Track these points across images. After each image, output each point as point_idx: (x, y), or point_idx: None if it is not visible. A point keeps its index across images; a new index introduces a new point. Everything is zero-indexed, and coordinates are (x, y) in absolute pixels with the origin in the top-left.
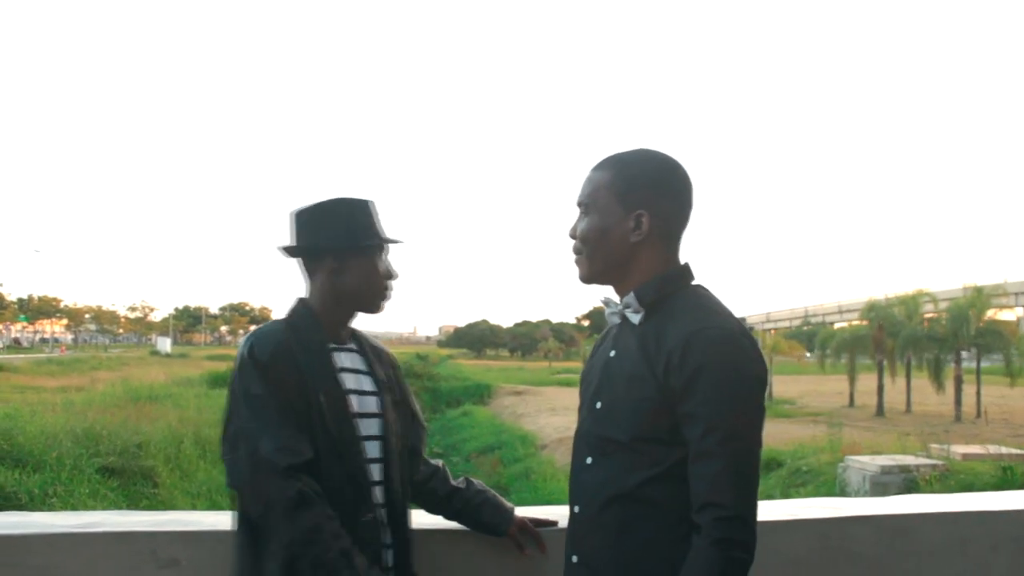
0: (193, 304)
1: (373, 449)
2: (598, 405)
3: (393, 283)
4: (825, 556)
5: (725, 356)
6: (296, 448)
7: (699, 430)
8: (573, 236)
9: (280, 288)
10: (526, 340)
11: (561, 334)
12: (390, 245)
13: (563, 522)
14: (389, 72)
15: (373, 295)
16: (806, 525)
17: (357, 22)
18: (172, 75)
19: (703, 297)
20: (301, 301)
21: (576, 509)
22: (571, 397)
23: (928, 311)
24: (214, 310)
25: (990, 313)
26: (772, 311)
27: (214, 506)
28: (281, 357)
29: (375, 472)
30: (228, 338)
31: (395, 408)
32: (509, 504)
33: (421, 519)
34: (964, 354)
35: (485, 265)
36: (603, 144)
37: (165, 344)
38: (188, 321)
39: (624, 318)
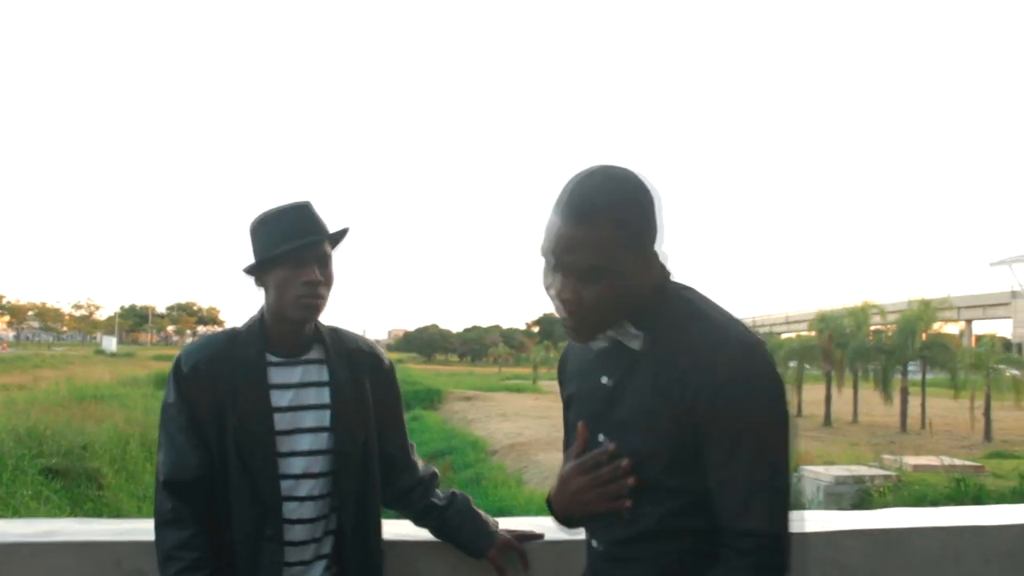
0: (139, 303)
1: (321, 464)
2: (600, 438)
3: (317, 289)
4: (817, 570)
5: (747, 371)
6: (183, 464)
7: (726, 448)
8: (573, 300)
9: (228, 288)
10: (476, 345)
11: (511, 340)
12: (319, 249)
13: (549, 534)
14: (342, 74)
15: (288, 305)
16: (796, 539)
17: (314, 25)
18: (114, 65)
19: (695, 302)
20: (259, 312)
21: (595, 544)
22: (521, 403)
23: (876, 323)
24: (161, 309)
25: (936, 326)
26: None
27: None
28: (202, 371)
29: (316, 487)
30: (175, 338)
31: (362, 418)
32: (493, 521)
33: (404, 530)
34: (911, 366)
35: (436, 269)
36: (558, 147)
37: (111, 343)
38: (134, 320)
39: (616, 342)
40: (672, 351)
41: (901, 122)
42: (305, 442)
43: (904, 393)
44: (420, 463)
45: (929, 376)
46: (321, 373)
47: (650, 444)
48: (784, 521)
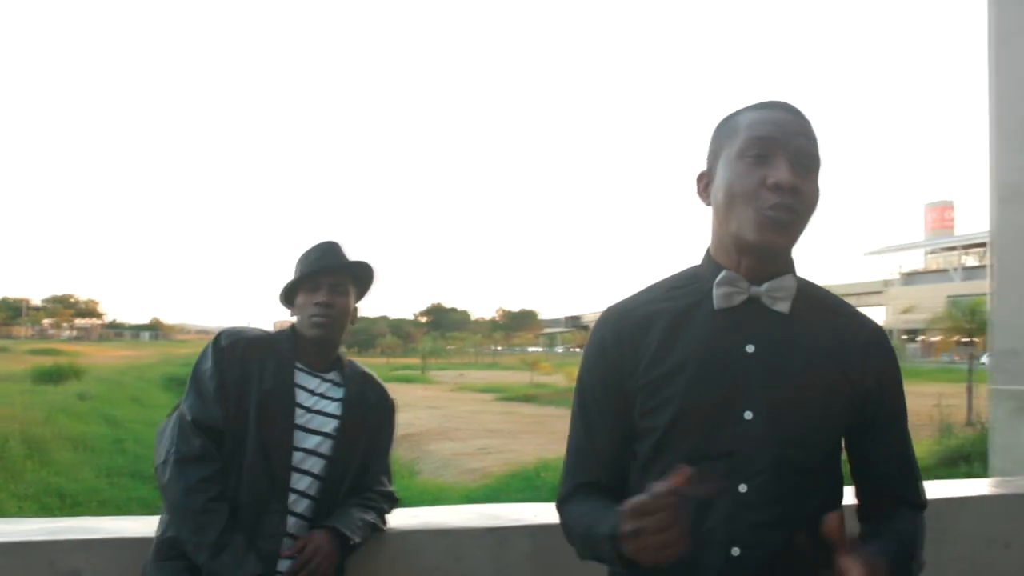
0: (13, 295)
1: (316, 465)
2: (748, 415)
3: (327, 310)
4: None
5: (895, 353)
6: (210, 413)
7: (902, 426)
8: (799, 191)
9: (108, 280)
10: (364, 336)
11: (399, 330)
12: (332, 277)
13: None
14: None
15: (305, 324)
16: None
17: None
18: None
19: (819, 286)
20: (291, 327)
21: (736, 552)
22: (412, 393)
23: None
24: (36, 302)
25: None
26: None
27: (44, 509)
28: (239, 348)
29: (311, 487)
30: (51, 331)
31: (360, 437)
32: (364, 526)
33: (401, 521)
34: None
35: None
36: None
37: None
38: (8, 313)
39: (752, 303)
40: (827, 325)
41: None
42: (313, 441)
43: None
44: (387, 487)
45: None
46: (337, 391)
47: (821, 426)
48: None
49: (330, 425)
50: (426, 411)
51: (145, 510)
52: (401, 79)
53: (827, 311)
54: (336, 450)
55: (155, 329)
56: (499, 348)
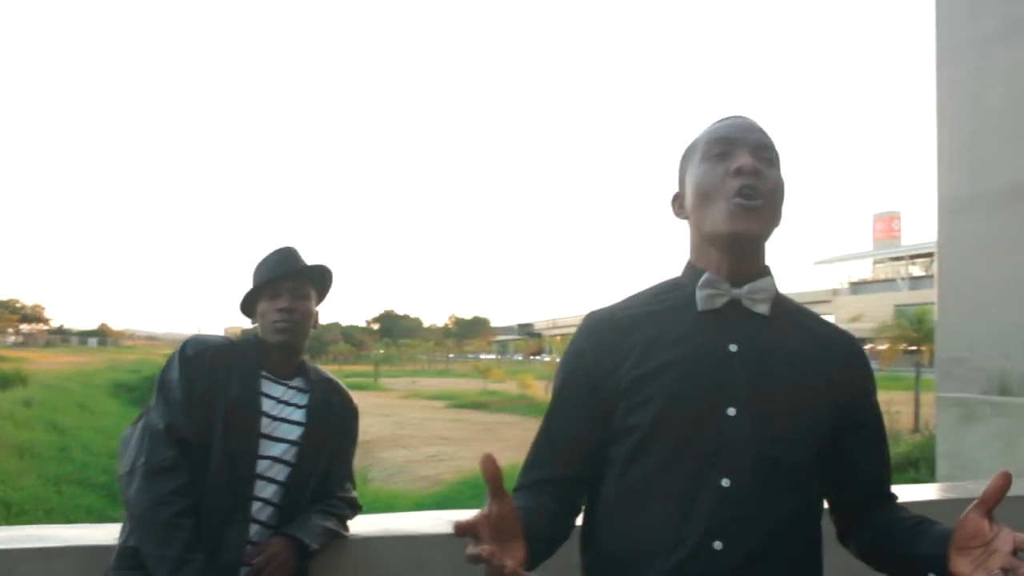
0: None
1: (280, 473)
2: (731, 412)
3: (288, 315)
4: None
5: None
6: (180, 423)
7: (882, 429)
8: (763, 172)
9: (55, 285)
10: (315, 343)
11: (351, 337)
12: (291, 282)
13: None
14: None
15: (267, 330)
16: None
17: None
18: None
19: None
20: (254, 332)
21: (718, 546)
22: (364, 400)
23: None
24: None
25: None
26: (559, 317)
27: None
28: (205, 357)
29: (275, 495)
30: None
31: (324, 444)
32: (321, 533)
33: (363, 527)
34: None
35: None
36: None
37: None
38: None
39: (733, 305)
40: (804, 330)
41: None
42: (277, 449)
43: None
44: (350, 493)
45: None
46: (301, 398)
47: (805, 425)
48: None
49: (295, 433)
50: (378, 418)
51: (92, 518)
52: (356, 83)
53: (804, 317)
54: (301, 457)
55: (102, 335)
56: (451, 356)
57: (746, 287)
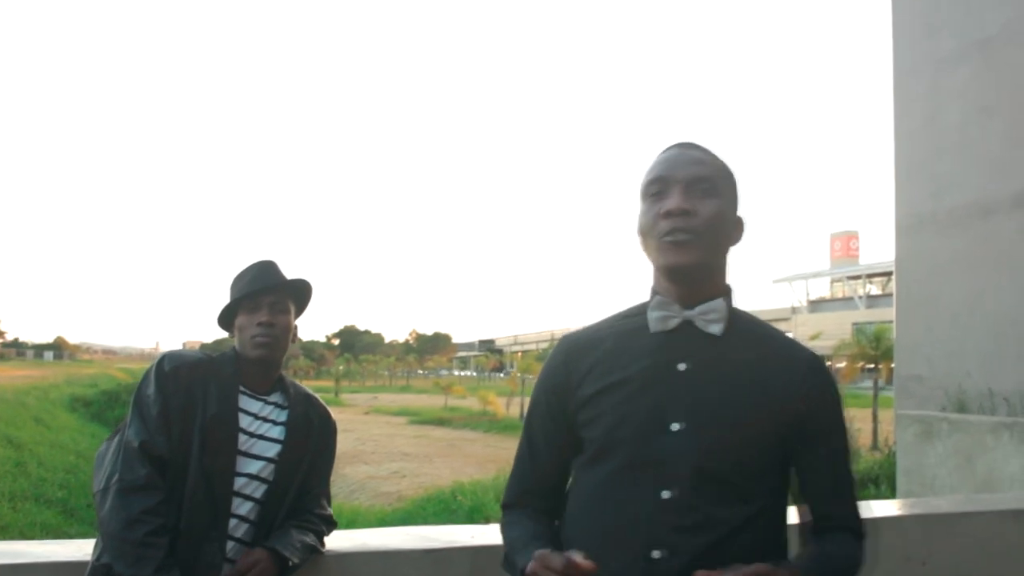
0: None
1: (257, 490)
2: (674, 428)
3: (268, 330)
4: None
5: (834, 378)
6: (155, 441)
7: (835, 447)
8: (689, 212)
9: (10, 297)
10: None
11: (311, 352)
12: (271, 296)
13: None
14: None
15: (247, 344)
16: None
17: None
18: None
19: (754, 316)
20: (233, 349)
21: (656, 555)
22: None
23: None
24: None
25: None
26: (520, 333)
27: None
28: (182, 373)
29: (251, 512)
30: None
31: (301, 461)
32: (300, 547)
33: (339, 543)
34: None
35: (230, 277)
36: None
37: None
38: None
39: (687, 326)
40: (759, 348)
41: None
42: (255, 466)
43: None
44: (326, 510)
45: None
46: (280, 414)
47: (743, 439)
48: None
49: (272, 450)
50: (341, 434)
51: (48, 535)
52: (319, 99)
53: (762, 337)
54: (278, 475)
55: (58, 348)
56: (420, 371)
57: (697, 308)
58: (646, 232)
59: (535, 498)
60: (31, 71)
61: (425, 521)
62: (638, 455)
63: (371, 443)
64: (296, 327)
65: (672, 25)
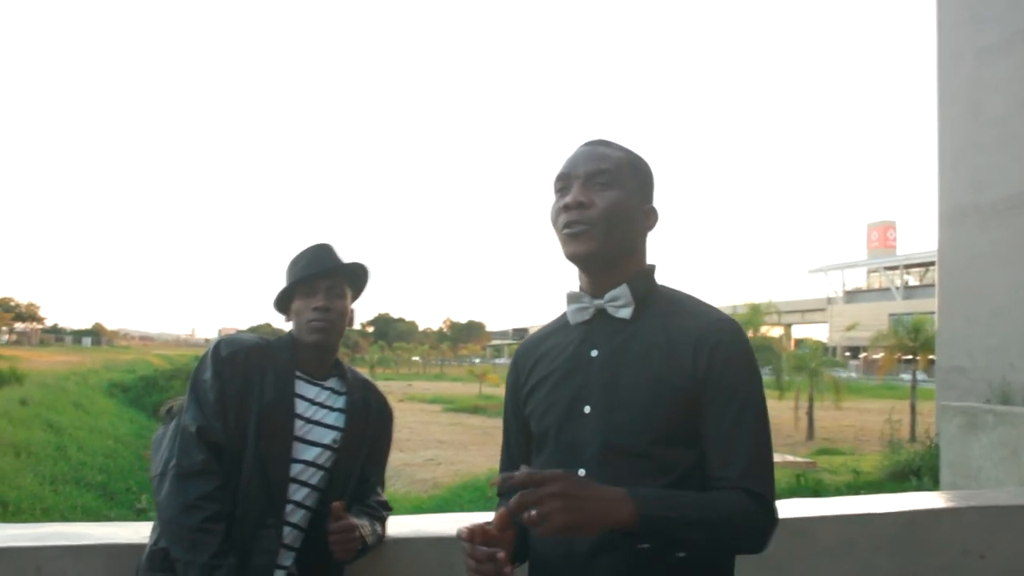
0: None
1: (314, 476)
2: (586, 410)
3: (325, 314)
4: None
5: (748, 348)
6: (212, 426)
7: (733, 410)
8: (587, 204)
9: (49, 283)
10: None
11: (346, 340)
12: (328, 280)
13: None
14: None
15: (303, 329)
16: None
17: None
18: None
19: (685, 293)
20: (289, 333)
21: None
22: None
23: None
24: None
25: (763, 330)
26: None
27: None
28: (239, 358)
29: (308, 498)
30: None
31: (360, 448)
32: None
33: (395, 528)
34: None
35: (267, 264)
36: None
37: None
38: None
39: (599, 315)
40: (669, 325)
41: (727, 137)
42: (312, 453)
43: None
44: (382, 496)
45: None
46: (336, 400)
47: (646, 413)
48: (774, 490)
49: (329, 436)
50: None
51: (88, 518)
52: (353, 85)
53: (671, 313)
54: (336, 462)
55: (96, 334)
56: (451, 361)
57: (606, 297)
58: (554, 224)
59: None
60: (64, 62)
61: (461, 508)
62: (560, 439)
63: (406, 430)
64: (353, 311)
65: (709, 13)
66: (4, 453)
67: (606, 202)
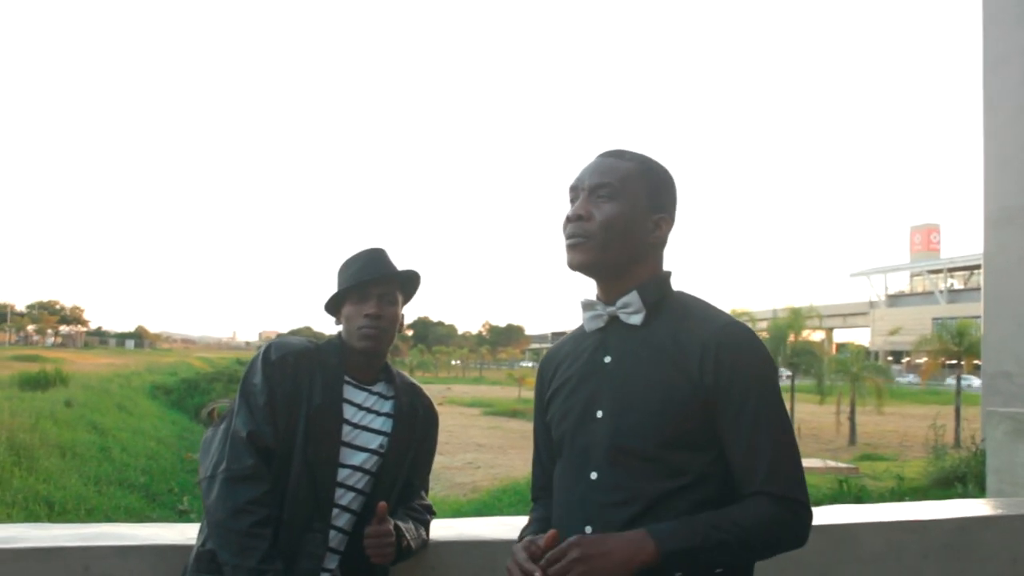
0: None
1: (360, 481)
2: (599, 415)
3: (376, 322)
4: (774, 563)
5: (757, 350)
6: (262, 431)
7: (747, 417)
8: (585, 217)
9: (92, 287)
10: None
11: None
12: (380, 287)
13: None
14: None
15: (353, 335)
16: None
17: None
18: None
19: (697, 299)
20: (338, 336)
21: (589, 530)
22: None
23: None
24: (20, 308)
25: (804, 334)
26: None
27: (31, 517)
28: (289, 361)
29: (354, 502)
30: (36, 338)
31: (407, 453)
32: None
33: (437, 532)
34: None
35: (309, 267)
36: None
37: None
38: None
39: (612, 321)
40: (679, 330)
41: (768, 139)
42: (359, 458)
43: None
44: (425, 499)
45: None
46: (383, 404)
47: (654, 417)
48: (805, 487)
49: (376, 441)
50: None
51: (132, 518)
52: (387, 84)
53: (681, 319)
54: (383, 467)
55: (139, 337)
56: (490, 364)
57: (617, 303)
58: (563, 233)
59: (546, 492)
60: (98, 65)
61: (500, 512)
62: (575, 443)
63: (445, 434)
64: (403, 317)
65: (753, 14)
66: (50, 454)
67: (604, 215)
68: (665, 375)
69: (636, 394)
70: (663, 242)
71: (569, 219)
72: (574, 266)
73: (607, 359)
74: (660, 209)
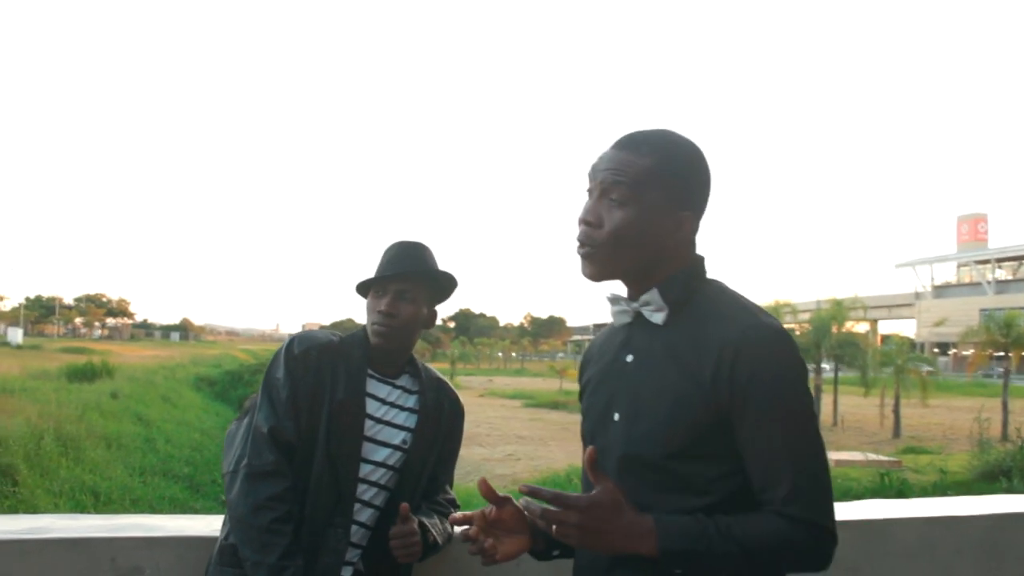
0: (45, 294)
1: (383, 477)
2: (616, 418)
3: (385, 319)
4: None
5: (782, 359)
6: (284, 426)
7: (769, 428)
8: (594, 223)
9: (138, 280)
10: None
11: (427, 335)
12: (399, 284)
13: None
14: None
15: (369, 329)
16: None
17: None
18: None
19: (729, 293)
20: (363, 328)
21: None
22: None
23: (787, 322)
24: (68, 301)
25: (848, 325)
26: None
27: (77, 506)
28: (312, 355)
29: (377, 498)
30: (83, 330)
31: (431, 449)
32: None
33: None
34: (823, 364)
35: (349, 260)
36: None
37: (16, 335)
38: (40, 312)
39: (638, 317)
40: (698, 332)
41: (811, 130)
42: (381, 454)
43: (817, 390)
44: (450, 494)
45: (839, 374)
46: (407, 399)
47: (664, 425)
48: (830, 509)
49: (399, 437)
50: None
51: (175, 509)
52: (439, 85)
53: (704, 318)
54: (406, 463)
55: (184, 330)
56: (532, 356)
57: (640, 300)
58: None
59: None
60: (137, 63)
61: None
62: (595, 444)
63: (486, 426)
64: (433, 313)
65: (804, 3)
66: (96, 445)
67: (614, 224)
68: (676, 382)
69: (648, 400)
70: (689, 239)
71: (579, 223)
72: (586, 274)
73: (629, 358)
74: (683, 206)
